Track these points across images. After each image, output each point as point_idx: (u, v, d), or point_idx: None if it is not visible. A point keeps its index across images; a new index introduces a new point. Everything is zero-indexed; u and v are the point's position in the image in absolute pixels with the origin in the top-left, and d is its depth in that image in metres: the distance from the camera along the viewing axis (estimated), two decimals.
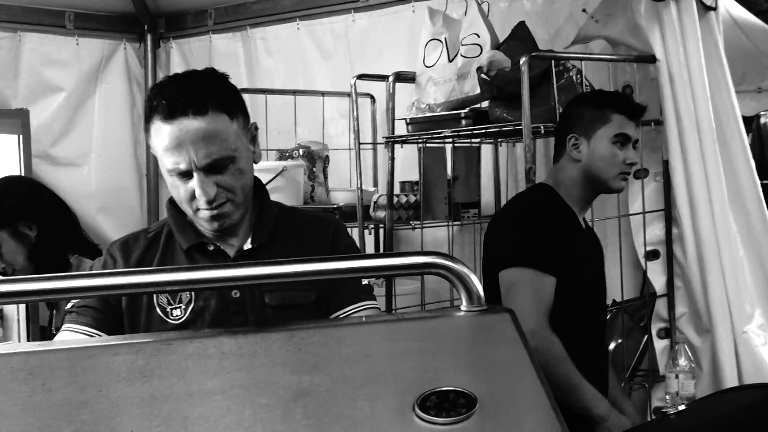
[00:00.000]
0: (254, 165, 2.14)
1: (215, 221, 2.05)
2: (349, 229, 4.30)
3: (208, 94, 1.99)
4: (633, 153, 3.06)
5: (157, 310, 2.06)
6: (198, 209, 2.04)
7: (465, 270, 1.47)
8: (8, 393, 1.24)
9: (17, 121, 5.03)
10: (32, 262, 3.06)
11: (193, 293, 2.05)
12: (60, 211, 3.25)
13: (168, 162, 1.99)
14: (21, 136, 4.99)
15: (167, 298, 2.06)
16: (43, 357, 1.31)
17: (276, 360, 1.36)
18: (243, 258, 2.10)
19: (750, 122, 9.08)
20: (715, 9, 3.69)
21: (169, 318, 2.06)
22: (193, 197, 2.02)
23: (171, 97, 1.97)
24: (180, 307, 2.05)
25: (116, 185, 5.56)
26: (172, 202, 2.14)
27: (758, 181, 3.69)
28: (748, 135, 8.94)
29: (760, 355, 3.45)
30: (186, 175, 2.00)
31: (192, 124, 1.95)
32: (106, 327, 2.05)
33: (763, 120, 7.93)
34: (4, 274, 3.11)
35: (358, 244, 4.09)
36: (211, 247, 2.13)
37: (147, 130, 2.03)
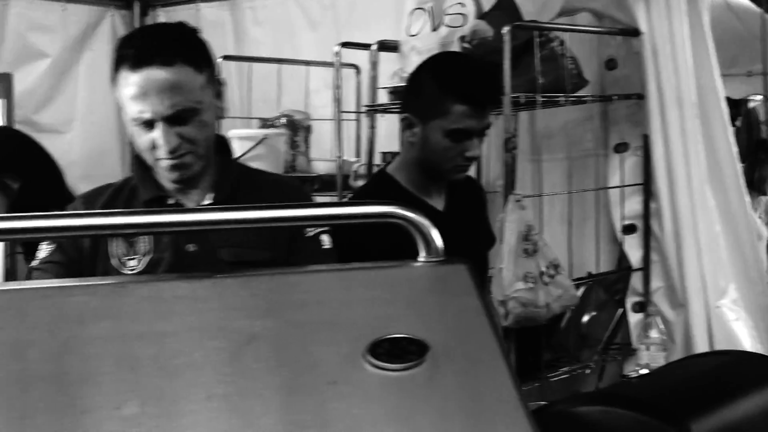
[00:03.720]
0: (226, 126, 2.16)
1: (175, 171, 2.06)
2: (328, 198, 4.37)
3: (175, 45, 2.03)
4: (474, 145, 2.58)
5: (114, 260, 2.07)
6: (159, 159, 2.05)
7: (423, 220, 1.46)
8: None
9: (0, 85, 5.00)
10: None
11: (152, 245, 2.07)
12: (46, 166, 3.25)
13: (133, 110, 2.01)
14: (4, 101, 4.96)
15: (125, 249, 2.07)
16: None
17: (229, 305, 1.36)
18: None
19: (739, 105, 9.10)
20: None
21: (124, 268, 2.06)
22: (154, 147, 2.03)
23: (139, 47, 2.01)
24: (136, 258, 2.06)
25: (99, 153, 5.51)
26: (137, 156, 2.15)
27: (737, 157, 3.69)
28: (737, 119, 8.99)
29: (733, 330, 3.47)
30: (149, 124, 2.01)
31: (158, 74, 1.97)
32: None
33: (751, 104, 7.92)
34: None
35: None
36: (171, 201, 2.14)
37: (114, 79, 2.05)
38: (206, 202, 2.14)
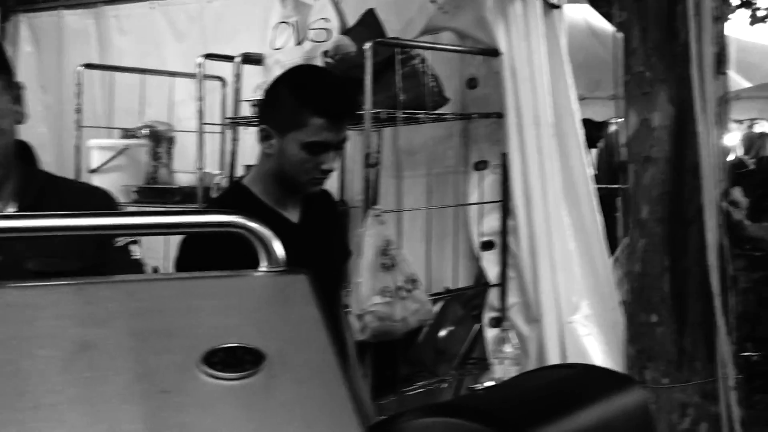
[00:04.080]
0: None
1: None
2: None
3: None
4: (330, 158, 2.57)
5: None
6: None
7: (264, 230, 1.46)
8: None
9: None
10: None
11: None
12: None
13: None
14: None
15: None
16: None
17: (63, 312, 1.32)
18: None
19: (601, 128, 9.40)
20: (559, 7, 3.78)
21: None
22: None
23: None
24: None
25: None
26: None
27: (591, 177, 3.80)
28: (599, 140, 9.22)
29: (584, 345, 3.57)
30: None
31: None
32: None
33: (612, 127, 8.20)
34: None
35: None
36: None
37: None
38: (9, 211, 2.05)
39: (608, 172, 8.00)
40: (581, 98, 8.82)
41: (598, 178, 8.72)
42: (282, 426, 1.29)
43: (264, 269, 1.46)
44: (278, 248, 1.47)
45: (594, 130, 10.26)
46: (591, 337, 3.61)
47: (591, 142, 10.36)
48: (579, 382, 2.08)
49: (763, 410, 7.27)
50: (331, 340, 1.40)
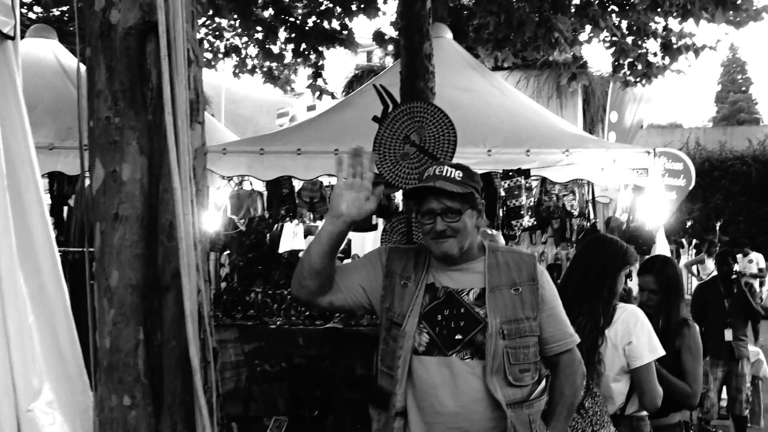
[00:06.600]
0: None
1: None
2: None
3: None
4: None
5: None
6: None
7: None
8: None
9: None
10: None
11: None
12: None
13: None
14: None
15: None
16: None
17: None
18: None
19: (75, 182, 8.74)
20: (13, 38, 3.24)
21: None
22: None
23: None
24: None
25: None
26: None
27: (53, 238, 3.30)
28: (72, 196, 8.52)
29: None
30: None
31: None
32: None
33: (87, 182, 7.70)
34: None
35: None
36: None
37: None
38: None
39: (82, 232, 7.43)
40: (51, 147, 8.08)
41: (71, 240, 8.03)
42: None
43: None
44: None
45: (67, 185, 9.50)
46: (55, 426, 3.10)
47: (63, 199, 9.64)
48: None
49: None
50: None
